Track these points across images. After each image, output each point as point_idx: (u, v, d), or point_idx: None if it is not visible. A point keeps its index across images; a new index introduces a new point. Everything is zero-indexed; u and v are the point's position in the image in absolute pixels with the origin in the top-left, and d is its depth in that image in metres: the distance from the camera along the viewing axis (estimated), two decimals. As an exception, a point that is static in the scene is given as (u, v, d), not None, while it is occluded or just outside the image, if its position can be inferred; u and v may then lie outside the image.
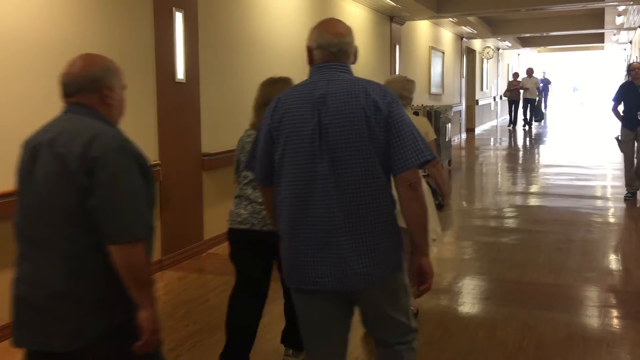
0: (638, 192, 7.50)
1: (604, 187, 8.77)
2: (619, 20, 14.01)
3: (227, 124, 5.79)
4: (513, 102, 17.55)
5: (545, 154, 12.92)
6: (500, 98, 20.22)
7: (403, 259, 2.16)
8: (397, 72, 10.49)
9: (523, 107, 17.67)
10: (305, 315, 2.19)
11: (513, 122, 17.56)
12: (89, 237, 1.77)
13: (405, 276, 2.19)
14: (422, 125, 3.66)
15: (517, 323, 3.74)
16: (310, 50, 2.18)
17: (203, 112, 5.42)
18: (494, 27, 15.86)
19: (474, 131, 16.82)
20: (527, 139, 15.75)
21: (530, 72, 17.79)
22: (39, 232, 1.81)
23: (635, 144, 7.27)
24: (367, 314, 2.20)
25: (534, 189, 8.80)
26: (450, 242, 5.80)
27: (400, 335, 2.22)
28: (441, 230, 3.96)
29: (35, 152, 1.83)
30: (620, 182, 8.12)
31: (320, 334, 2.18)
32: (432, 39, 13.12)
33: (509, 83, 18.15)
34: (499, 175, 10.33)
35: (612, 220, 6.66)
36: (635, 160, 7.29)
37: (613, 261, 5.21)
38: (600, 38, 19.83)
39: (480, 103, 17.80)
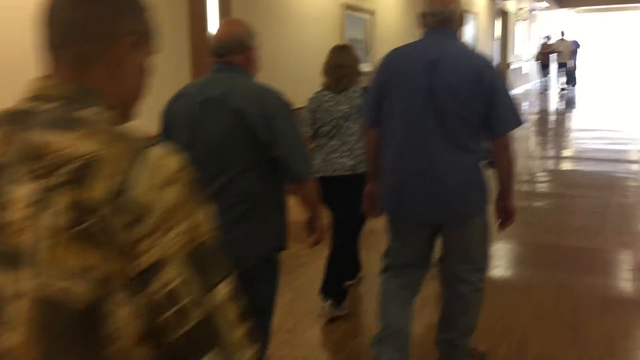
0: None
1: (641, 151, 8.62)
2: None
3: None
4: (545, 66, 17.16)
5: (579, 118, 12.68)
6: (535, 61, 19.81)
7: (487, 203, 2.50)
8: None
9: (557, 71, 17.28)
10: (401, 241, 2.60)
11: (545, 86, 17.21)
12: (260, 181, 2.09)
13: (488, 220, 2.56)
14: None
15: (552, 286, 3.75)
16: (420, 16, 2.49)
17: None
18: (528, -13, 15.46)
19: (505, 95, 16.52)
20: (561, 103, 15.45)
21: (563, 34, 17.34)
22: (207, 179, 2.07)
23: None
24: (450, 245, 2.56)
25: (568, 153, 8.69)
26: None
27: (471, 271, 2.55)
28: None
29: (207, 105, 2.08)
30: (658, 146, 7.95)
31: (412, 256, 2.60)
32: (465, 0, 12.84)
33: (541, 46, 17.72)
34: (532, 140, 10.20)
35: (648, 184, 6.56)
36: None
37: (650, 226, 5.16)
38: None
39: (512, 66, 17.47)
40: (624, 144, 8.92)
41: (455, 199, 2.40)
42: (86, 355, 0.80)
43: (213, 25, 5.04)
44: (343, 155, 3.34)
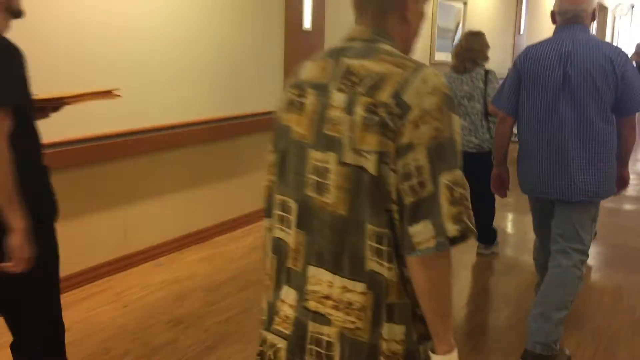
0: None
1: None
2: None
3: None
4: (643, 67, 16.20)
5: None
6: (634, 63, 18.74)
7: (611, 190, 2.74)
8: (522, 30, 10.02)
9: None
10: (535, 211, 2.98)
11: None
12: None
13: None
14: None
15: (646, 292, 3.59)
16: (553, 14, 2.79)
17: (326, 62, 5.47)
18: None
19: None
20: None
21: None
22: None
23: None
24: (562, 219, 2.77)
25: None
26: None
27: (575, 247, 2.74)
28: None
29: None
30: None
31: (541, 222, 2.96)
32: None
33: (638, 45, 16.66)
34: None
35: None
36: None
37: None
38: None
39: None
40: None
41: (583, 178, 2.65)
42: (374, 206, 1.17)
43: (307, 16, 5.10)
44: (470, 134, 3.78)
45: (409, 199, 1.13)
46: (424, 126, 1.13)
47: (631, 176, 2.96)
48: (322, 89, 1.25)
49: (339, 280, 1.20)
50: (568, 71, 2.61)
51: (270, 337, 1.32)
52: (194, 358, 2.79)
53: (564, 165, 2.65)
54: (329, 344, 1.22)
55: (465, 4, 8.14)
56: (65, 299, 2.42)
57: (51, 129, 2.34)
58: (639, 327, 3.18)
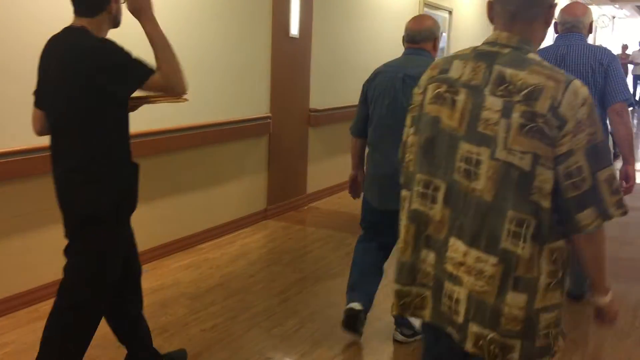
0: None
1: None
2: None
3: (334, 84, 5.83)
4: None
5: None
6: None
7: None
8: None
9: (633, 84, 16.19)
10: None
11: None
12: None
13: None
14: None
15: (631, 301, 3.63)
16: (555, 25, 3.21)
17: (313, 70, 5.48)
18: (611, -7, 14.86)
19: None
20: (633, 122, 14.75)
21: (644, 44, 16.34)
22: (386, 136, 2.81)
23: None
24: None
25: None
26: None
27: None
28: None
29: (406, 80, 2.74)
30: None
31: None
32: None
33: (623, 46, 16.73)
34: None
35: None
36: None
37: None
38: None
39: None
40: None
41: None
42: (519, 196, 1.41)
43: (294, 23, 5.10)
44: None
45: (571, 194, 1.40)
46: (580, 134, 1.39)
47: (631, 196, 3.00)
48: (475, 90, 1.47)
49: (474, 252, 1.47)
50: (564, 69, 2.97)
51: (415, 290, 1.62)
52: (179, 366, 2.75)
53: None
54: (457, 300, 1.51)
55: (450, 13, 8.21)
56: (45, 307, 2.38)
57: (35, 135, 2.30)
58: (624, 334, 3.20)
